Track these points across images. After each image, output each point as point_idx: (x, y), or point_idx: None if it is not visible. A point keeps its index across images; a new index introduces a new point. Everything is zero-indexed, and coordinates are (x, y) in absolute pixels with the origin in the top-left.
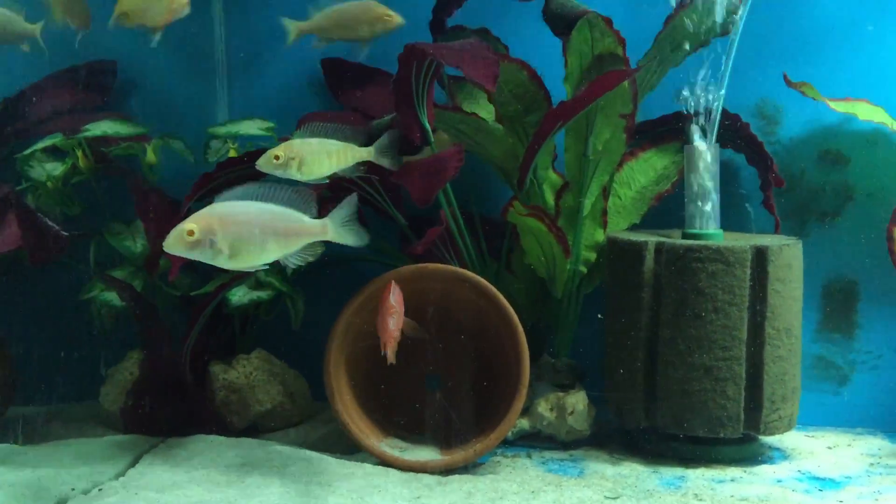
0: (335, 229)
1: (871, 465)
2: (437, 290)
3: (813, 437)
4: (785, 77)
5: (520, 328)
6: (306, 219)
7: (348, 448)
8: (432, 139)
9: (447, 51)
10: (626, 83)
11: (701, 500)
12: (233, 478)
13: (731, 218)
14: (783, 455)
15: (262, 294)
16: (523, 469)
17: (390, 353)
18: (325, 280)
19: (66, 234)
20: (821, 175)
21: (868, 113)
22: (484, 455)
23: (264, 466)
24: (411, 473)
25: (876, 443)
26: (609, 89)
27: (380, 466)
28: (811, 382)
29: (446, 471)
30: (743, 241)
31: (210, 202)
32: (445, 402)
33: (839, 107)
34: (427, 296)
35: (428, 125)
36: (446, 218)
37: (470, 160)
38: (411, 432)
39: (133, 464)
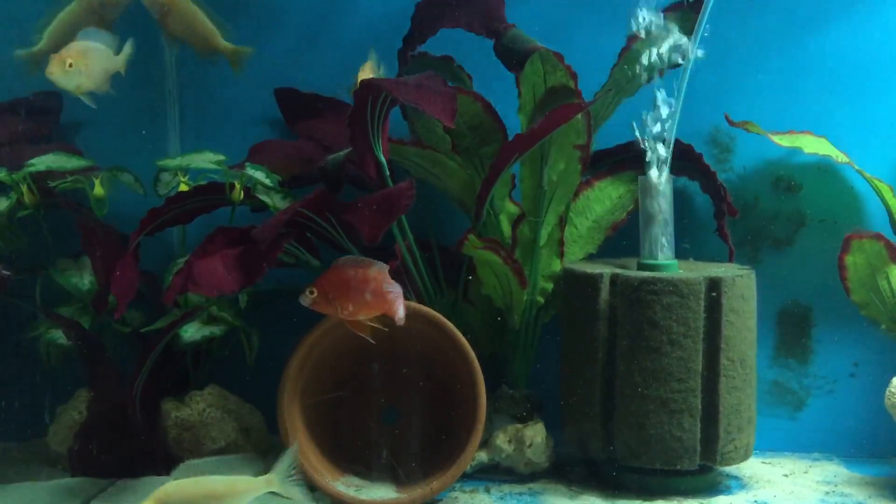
0: (281, 482)
1: (827, 493)
2: (392, 323)
3: (770, 463)
4: (726, 117)
5: (476, 364)
6: (249, 479)
7: (305, 485)
8: (388, 173)
9: (404, 87)
10: (580, 115)
11: None
12: None
13: (686, 246)
14: (740, 484)
15: (215, 329)
16: None
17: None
18: (279, 313)
19: (7, 272)
20: (774, 202)
21: (812, 145)
22: (442, 492)
23: None
24: None
25: (832, 469)
26: (564, 122)
27: None
28: (767, 408)
29: None
30: (697, 273)
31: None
32: (403, 439)
33: (783, 140)
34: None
35: (383, 159)
36: (401, 251)
37: (428, 189)
38: (369, 469)
39: None
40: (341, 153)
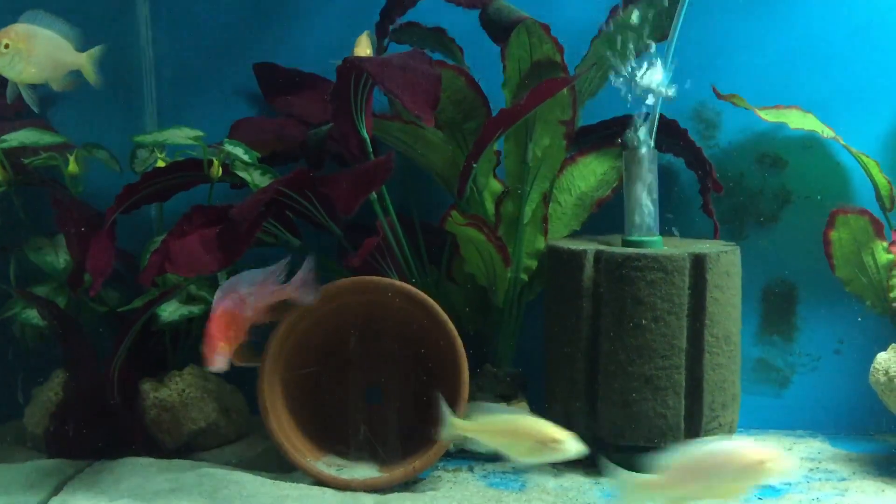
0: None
1: (811, 470)
2: (374, 302)
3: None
4: (714, 89)
5: (458, 341)
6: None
7: (287, 465)
8: (370, 149)
9: (387, 71)
10: (565, 90)
11: None
12: None
13: (671, 223)
14: None
15: (194, 309)
16: (464, 484)
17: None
18: None
19: None
20: (759, 178)
21: (799, 120)
22: (424, 471)
23: (194, 492)
24: (348, 493)
25: (816, 445)
26: (549, 97)
27: (316, 487)
28: (752, 385)
29: (386, 488)
30: (681, 249)
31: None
32: (385, 418)
33: (769, 116)
34: (364, 308)
35: (366, 135)
36: (383, 228)
37: (411, 166)
38: (351, 449)
39: (55, 492)
40: (323, 129)
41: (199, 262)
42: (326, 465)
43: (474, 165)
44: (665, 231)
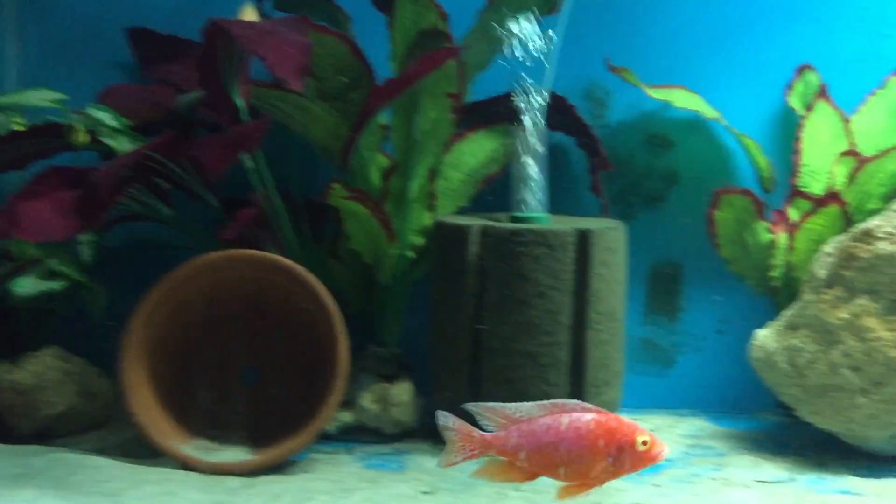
0: None
1: (691, 446)
2: (249, 277)
3: (639, 419)
4: (607, 62)
5: (336, 318)
6: None
7: (157, 451)
8: (247, 118)
9: (252, 33)
10: (452, 62)
11: (519, 489)
12: (3, 492)
13: (561, 202)
14: None
15: (55, 285)
16: (341, 466)
17: None
18: (130, 269)
19: None
20: (648, 159)
21: (684, 100)
22: (298, 453)
23: (43, 476)
24: (215, 477)
25: (698, 423)
26: (435, 67)
27: (181, 471)
28: (638, 365)
29: (256, 471)
30: (567, 225)
31: None
32: (258, 399)
33: (657, 93)
34: (239, 284)
35: (242, 103)
36: (260, 199)
37: (294, 139)
38: (223, 431)
39: None
40: (193, 95)
41: (49, 226)
42: (194, 449)
43: (358, 137)
44: (555, 211)
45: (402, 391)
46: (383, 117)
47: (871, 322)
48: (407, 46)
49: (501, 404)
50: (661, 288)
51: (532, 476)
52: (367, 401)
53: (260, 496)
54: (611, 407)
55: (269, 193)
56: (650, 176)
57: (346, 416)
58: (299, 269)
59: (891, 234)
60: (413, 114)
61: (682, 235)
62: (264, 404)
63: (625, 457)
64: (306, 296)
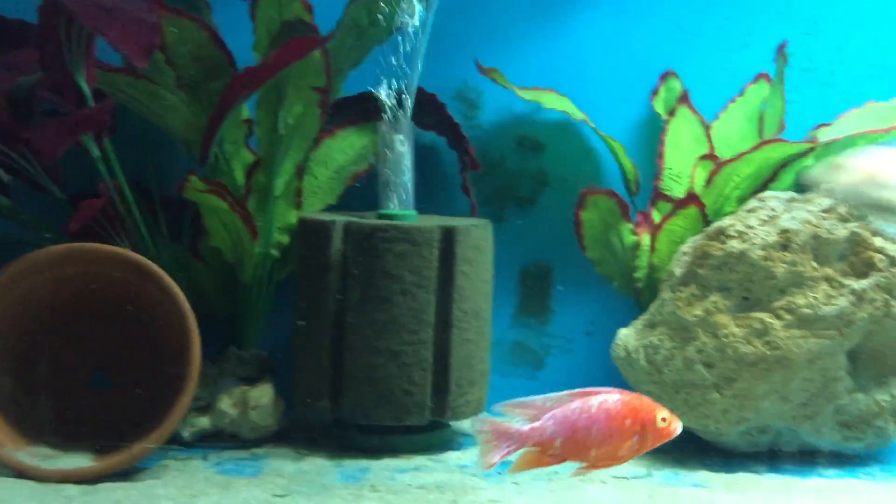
0: None
1: None
2: (95, 273)
3: (507, 422)
4: (477, 63)
5: (190, 316)
6: None
7: None
8: (91, 103)
9: (92, 9)
10: (318, 54)
11: (377, 490)
12: None
13: (434, 202)
14: (474, 442)
15: None
16: (192, 472)
17: None
18: None
19: None
20: (519, 160)
21: (552, 101)
22: (144, 458)
23: None
24: (52, 485)
25: None
26: (298, 57)
27: (14, 479)
28: (508, 368)
29: (99, 478)
30: (432, 222)
31: None
32: (107, 403)
33: (526, 95)
34: (84, 281)
35: (86, 88)
36: (108, 191)
37: (155, 131)
38: (66, 437)
39: None
40: (31, 77)
41: None
42: (30, 456)
43: (218, 129)
44: (424, 211)
45: (262, 393)
46: (248, 111)
47: (722, 318)
48: (270, 37)
49: (530, 397)
50: (531, 290)
51: (560, 461)
52: (225, 405)
53: None
54: (478, 407)
55: (119, 185)
56: (521, 177)
57: (204, 422)
58: (149, 264)
59: (742, 232)
60: (278, 107)
61: (552, 237)
62: (113, 408)
63: (647, 434)
64: (158, 294)
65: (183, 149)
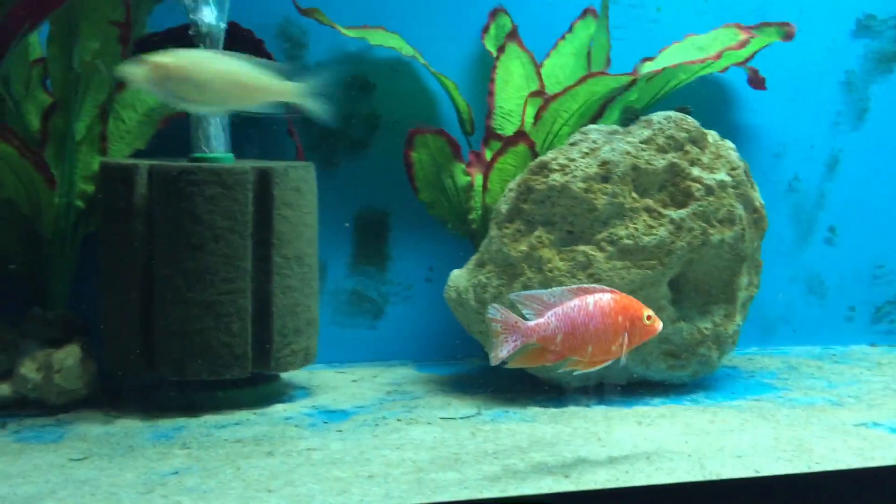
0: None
1: (388, 392)
2: None
3: (344, 373)
4: (295, 3)
5: None
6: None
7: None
8: None
9: None
10: None
11: (187, 447)
12: None
13: (259, 147)
14: (306, 393)
15: None
16: None
17: None
18: None
19: None
20: (349, 102)
21: (381, 38)
22: None
23: None
24: None
25: (403, 372)
26: None
27: None
28: (347, 318)
29: None
30: (246, 163)
31: None
32: None
33: (352, 33)
34: None
35: None
36: None
37: None
38: None
39: None
40: None
41: None
42: None
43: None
44: (248, 156)
45: (67, 355)
46: (42, 50)
47: (547, 253)
48: None
49: (539, 290)
50: (367, 237)
51: (560, 357)
52: (28, 369)
53: None
54: (306, 357)
55: None
56: (352, 120)
57: (5, 389)
58: None
59: (564, 165)
60: (71, 43)
61: (387, 182)
62: None
63: (635, 330)
64: None
65: None
